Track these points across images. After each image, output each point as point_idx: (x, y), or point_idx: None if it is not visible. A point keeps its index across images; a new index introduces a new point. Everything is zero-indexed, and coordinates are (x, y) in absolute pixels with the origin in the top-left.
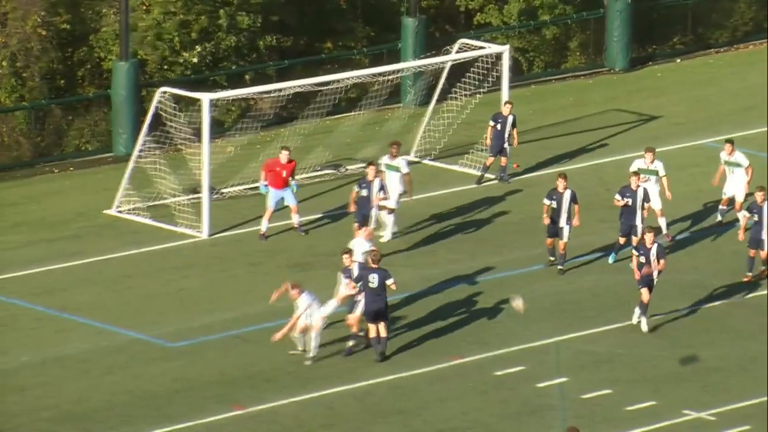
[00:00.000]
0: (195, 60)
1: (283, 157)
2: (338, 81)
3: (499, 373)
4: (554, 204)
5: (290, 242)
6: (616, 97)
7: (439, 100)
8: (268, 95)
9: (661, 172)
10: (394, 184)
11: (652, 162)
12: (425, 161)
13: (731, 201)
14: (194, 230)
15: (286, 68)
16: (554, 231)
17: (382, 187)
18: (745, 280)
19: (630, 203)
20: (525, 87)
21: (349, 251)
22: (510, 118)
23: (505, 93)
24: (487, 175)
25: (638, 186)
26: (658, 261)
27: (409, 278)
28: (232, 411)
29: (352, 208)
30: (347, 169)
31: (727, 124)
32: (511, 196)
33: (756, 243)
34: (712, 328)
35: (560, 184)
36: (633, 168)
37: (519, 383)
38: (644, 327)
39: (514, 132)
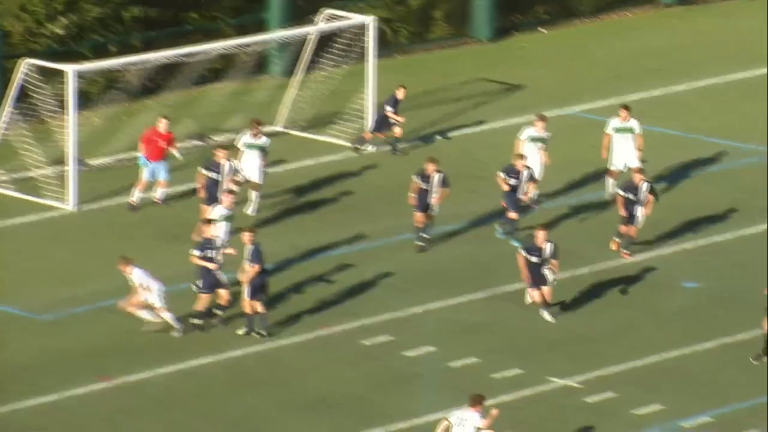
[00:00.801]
0: (60, 31)
1: (162, 126)
2: (204, 52)
3: (366, 342)
4: (424, 185)
5: (159, 214)
6: (482, 66)
7: (305, 71)
8: (134, 66)
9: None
10: (255, 161)
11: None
12: (293, 132)
13: (620, 174)
14: (61, 202)
15: (152, 39)
16: (423, 207)
17: (234, 169)
18: (613, 247)
19: (515, 184)
20: (391, 58)
21: (209, 221)
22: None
23: (371, 64)
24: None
25: (524, 167)
26: (552, 260)
27: (278, 248)
28: (100, 382)
29: (202, 194)
30: (214, 140)
31: (593, 93)
32: (378, 166)
33: (629, 220)
34: (580, 297)
35: (430, 167)
36: (523, 136)
37: (387, 353)
38: (548, 317)
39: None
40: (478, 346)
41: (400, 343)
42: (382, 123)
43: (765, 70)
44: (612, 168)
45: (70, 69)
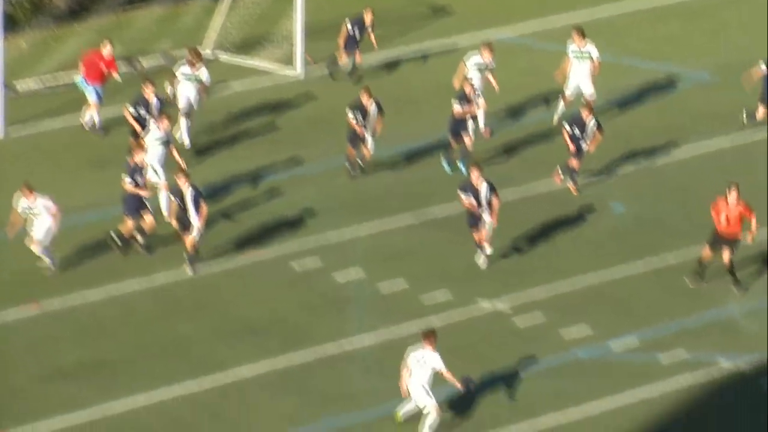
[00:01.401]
0: None
1: (106, 50)
2: None
3: (296, 267)
4: (360, 117)
5: (88, 139)
6: None
7: None
8: None
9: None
10: (192, 92)
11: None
12: (221, 57)
13: (572, 102)
14: None
15: None
16: (356, 141)
17: (160, 101)
18: (558, 180)
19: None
20: None
21: (140, 146)
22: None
23: None
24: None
25: (473, 92)
26: (490, 203)
27: (207, 175)
28: (29, 309)
29: (139, 129)
30: (141, 64)
31: (519, 17)
32: (308, 90)
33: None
34: (510, 221)
35: (365, 97)
36: (470, 63)
37: (317, 277)
38: (481, 262)
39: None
40: (407, 271)
41: (329, 268)
42: (351, 44)
43: None
44: (567, 93)
45: None
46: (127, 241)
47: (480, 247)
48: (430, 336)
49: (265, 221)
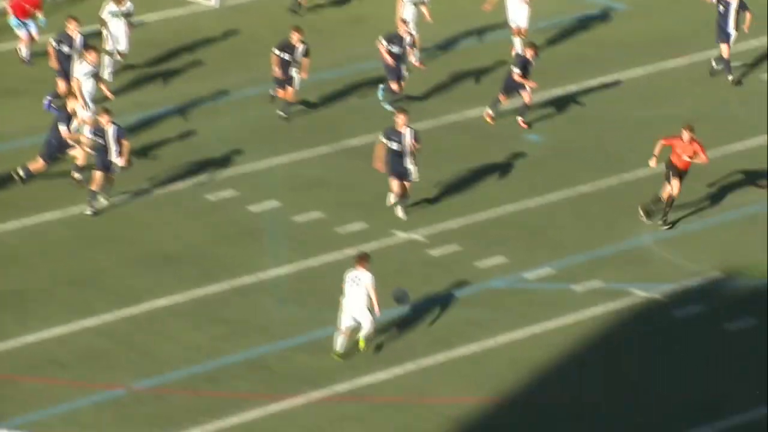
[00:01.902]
0: None
1: None
2: None
3: (211, 197)
4: (286, 56)
5: (3, 69)
6: None
7: None
8: None
9: None
10: (122, 28)
11: None
12: None
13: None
14: None
15: None
16: (282, 83)
17: (84, 37)
18: (488, 120)
19: (398, 52)
20: None
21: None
22: None
23: None
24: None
25: (407, 34)
26: (414, 143)
27: (123, 106)
28: None
29: (55, 66)
30: None
31: None
32: (223, 20)
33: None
34: (425, 151)
35: (294, 37)
36: (405, 15)
37: (231, 207)
38: (400, 214)
39: None
40: (322, 201)
41: (244, 198)
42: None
43: None
44: (512, 25)
45: None
46: (32, 177)
47: (399, 200)
48: (363, 258)
49: (179, 152)
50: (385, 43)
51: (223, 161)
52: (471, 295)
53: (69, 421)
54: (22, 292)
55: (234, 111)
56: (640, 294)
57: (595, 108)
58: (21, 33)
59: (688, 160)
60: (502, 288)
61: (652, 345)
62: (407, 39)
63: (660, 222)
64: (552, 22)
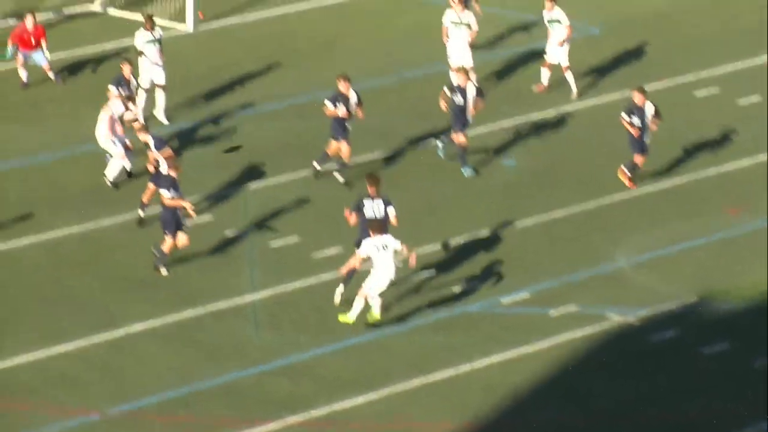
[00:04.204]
0: None
1: (29, 21)
2: None
3: (187, 222)
4: (339, 106)
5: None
6: None
7: None
8: None
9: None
10: (157, 57)
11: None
12: (111, 11)
13: (552, 66)
14: None
15: None
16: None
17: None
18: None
19: (460, 103)
20: None
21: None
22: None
23: None
24: None
25: (468, 81)
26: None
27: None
28: None
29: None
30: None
31: None
32: (199, 45)
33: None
34: (399, 174)
35: (343, 86)
36: (446, 21)
37: (207, 233)
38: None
39: None
40: (298, 225)
41: (220, 222)
42: None
43: None
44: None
45: None
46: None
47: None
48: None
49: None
50: (448, 92)
51: (199, 185)
52: (446, 319)
53: None
54: None
55: (210, 136)
56: (615, 318)
57: (568, 131)
58: (21, 58)
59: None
60: (477, 312)
61: (628, 369)
62: (470, 88)
63: None
64: (529, 47)
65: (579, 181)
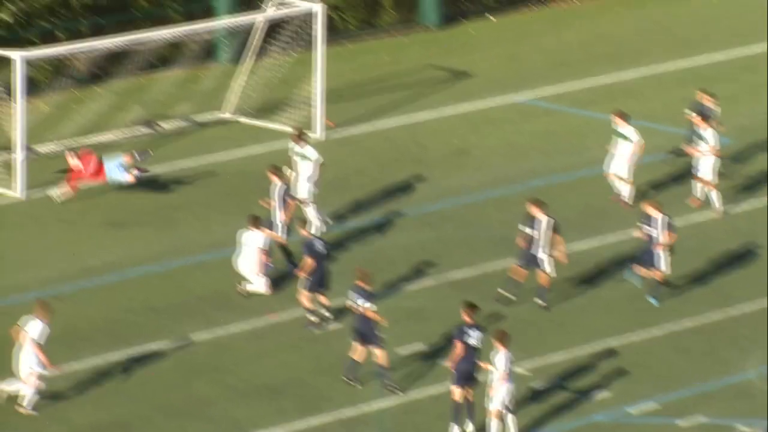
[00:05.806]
0: (8, 18)
1: (71, 160)
2: (152, 39)
3: (314, 329)
4: (529, 230)
5: (104, 200)
6: (430, 54)
7: (254, 58)
8: (82, 53)
9: (634, 138)
10: (307, 172)
11: (623, 125)
12: (241, 119)
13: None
14: (8, 189)
15: (100, 26)
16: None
17: (286, 186)
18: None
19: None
20: (339, 45)
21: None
22: None
23: (319, 51)
24: None
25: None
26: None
27: (227, 236)
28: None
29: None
30: (162, 127)
31: (540, 80)
32: (327, 153)
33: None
34: (526, 283)
35: (534, 209)
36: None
37: (333, 339)
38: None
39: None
40: (425, 333)
41: (347, 329)
42: None
43: (715, 56)
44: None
45: (17, 56)
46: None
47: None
48: (502, 336)
49: (283, 282)
50: (644, 228)
51: (327, 292)
52: (575, 429)
53: None
54: (125, 424)
55: (336, 242)
56: (744, 430)
57: (693, 241)
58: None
59: None
60: (606, 422)
61: None
62: (660, 219)
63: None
64: (655, 154)
65: (703, 291)
